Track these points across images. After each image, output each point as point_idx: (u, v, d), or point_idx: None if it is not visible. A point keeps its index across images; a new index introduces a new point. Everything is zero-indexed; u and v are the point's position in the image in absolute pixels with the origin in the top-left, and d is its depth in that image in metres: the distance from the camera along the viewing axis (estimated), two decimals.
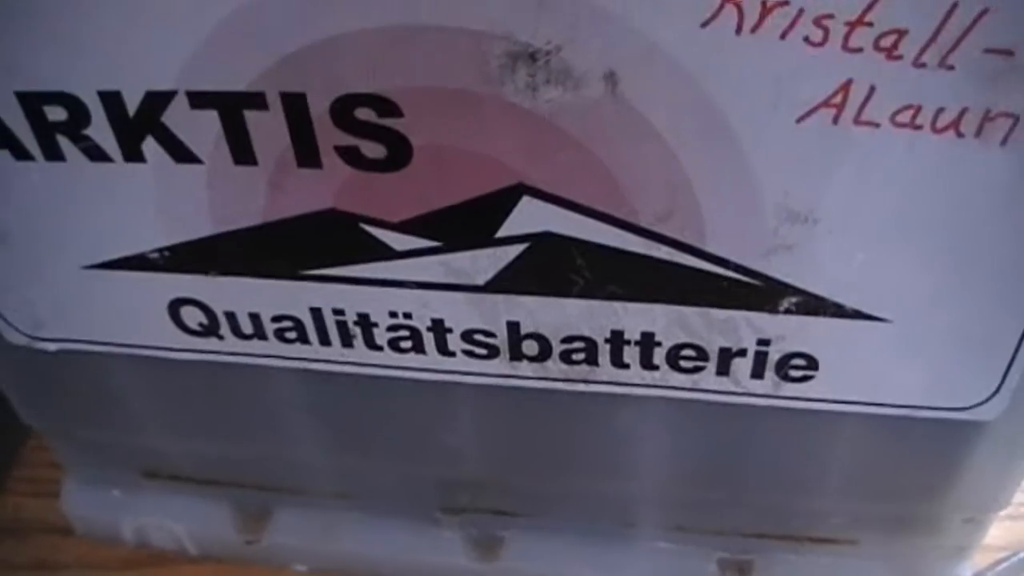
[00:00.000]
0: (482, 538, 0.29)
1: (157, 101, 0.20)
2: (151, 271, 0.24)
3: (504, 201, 0.20)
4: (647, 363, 0.23)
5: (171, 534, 0.31)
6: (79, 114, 0.21)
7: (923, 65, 0.17)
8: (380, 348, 0.24)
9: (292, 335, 0.24)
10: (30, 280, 0.25)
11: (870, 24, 0.17)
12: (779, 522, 0.27)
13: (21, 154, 0.22)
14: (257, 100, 0.20)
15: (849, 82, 0.18)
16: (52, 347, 0.26)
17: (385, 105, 0.19)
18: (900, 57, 0.17)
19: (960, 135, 0.18)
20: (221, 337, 0.25)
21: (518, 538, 0.29)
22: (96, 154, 0.21)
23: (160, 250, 0.23)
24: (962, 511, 0.26)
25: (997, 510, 0.27)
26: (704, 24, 0.17)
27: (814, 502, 0.26)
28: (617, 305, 0.22)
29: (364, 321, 0.23)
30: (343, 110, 0.19)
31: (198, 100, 0.20)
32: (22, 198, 0.23)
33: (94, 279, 0.24)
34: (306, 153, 0.20)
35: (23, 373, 0.28)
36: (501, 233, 0.21)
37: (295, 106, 0.20)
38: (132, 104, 0.20)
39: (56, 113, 0.21)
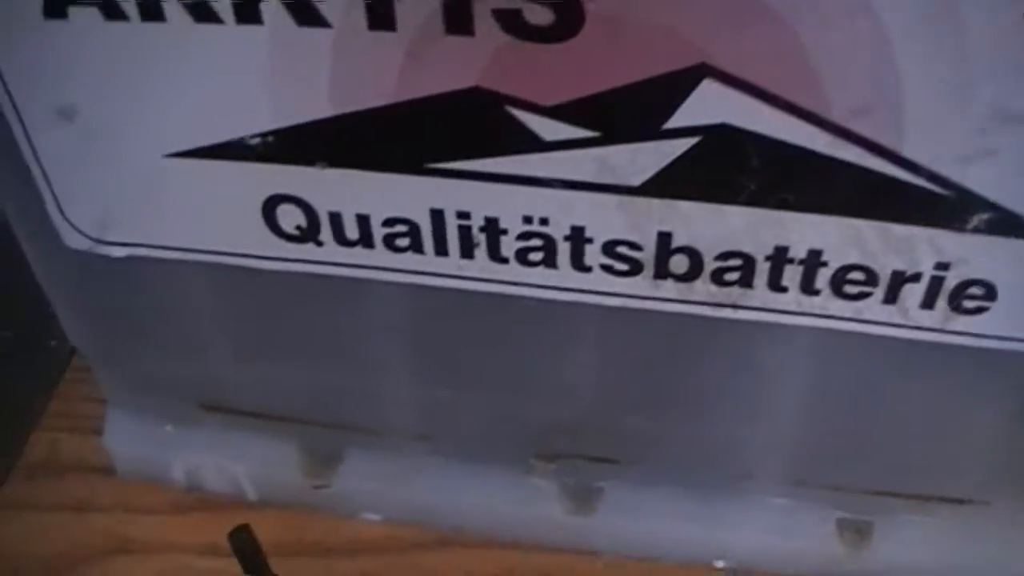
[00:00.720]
0: (579, 488, 0.27)
1: None
2: (249, 161, 0.21)
3: (681, 84, 0.18)
4: (808, 287, 0.21)
5: (229, 476, 0.28)
6: None
7: None
8: (505, 260, 0.21)
9: (404, 242, 0.22)
10: (101, 169, 0.22)
11: None
12: (908, 478, 0.25)
13: (113, 13, 0.19)
14: None
15: None
16: (120, 252, 0.23)
17: None
18: None
19: None
20: (320, 243, 0.22)
21: (618, 489, 0.27)
22: (203, 13, 0.19)
23: (264, 135, 0.20)
24: None
25: None
26: None
27: (955, 456, 0.24)
28: (787, 216, 0.19)
29: (492, 227, 0.21)
30: None
31: None
32: (102, 67, 0.20)
33: (178, 170, 0.21)
34: (458, 16, 0.18)
35: (79, 285, 0.25)
36: (671, 124, 0.18)
37: None
38: None
39: None
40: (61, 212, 0.23)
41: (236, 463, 0.28)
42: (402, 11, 0.18)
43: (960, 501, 0.26)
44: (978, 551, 0.26)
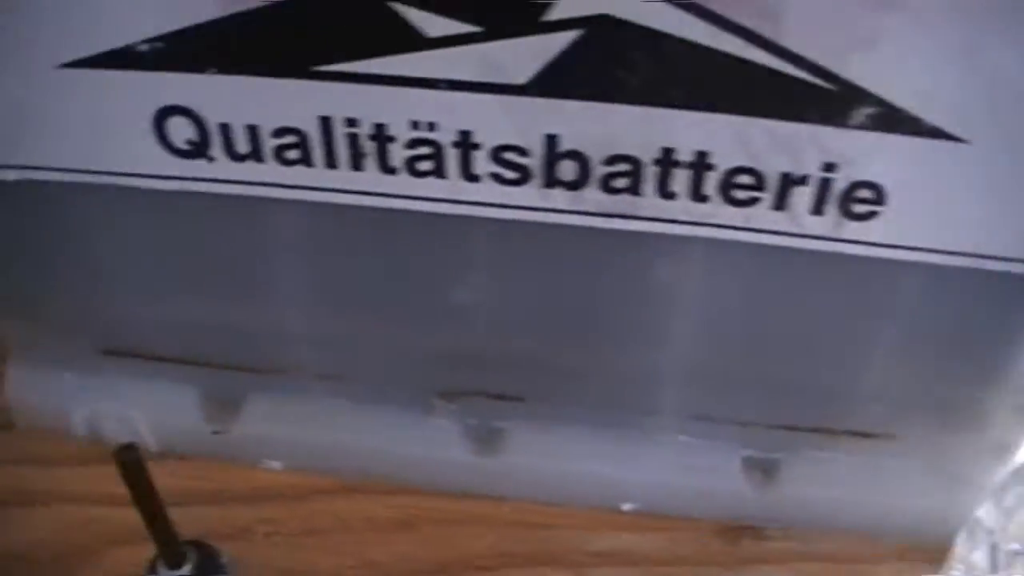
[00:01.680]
0: (481, 429, 0.26)
1: None
2: (138, 69, 0.21)
3: None
4: (697, 193, 0.21)
5: (128, 425, 0.27)
6: None
7: None
8: (394, 171, 0.21)
9: (294, 154, 0.21)
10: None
11: None
12: (810, 410, 0.25)
13: None
14: None
15: None
16: (11, 175, 0.23)
17: None
18: None
19: None
20: (212, 159, 0.22)
21: (521, 429, 0.26)
22: None
23: (152, 40, 0.20)
24: (1015, 394, 0.24)
25: None
26: None
27: (854, 380, 0.24)
28: (672, 113, 0.20)
29: (380, 134, 0.21)
30: None
31: None
32: None
33: (68, 82, 0.21)
34: None
35: None
36: (552, 16, 0.19)
37: None
38: None
39: None
40: None
41: (135, 410, 0.27)
42: None
43: (865, 435, 0.26)
44: (885, 486, 0.26)
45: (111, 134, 0.22)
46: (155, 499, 0.23)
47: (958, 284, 0.22)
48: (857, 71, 0.19)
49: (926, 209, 0.21)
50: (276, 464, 0.28)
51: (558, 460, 0.26)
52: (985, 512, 0.23)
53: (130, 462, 0.21)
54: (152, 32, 0.20)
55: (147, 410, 0.27)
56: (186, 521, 0.25)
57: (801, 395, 0.25)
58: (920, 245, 0.21)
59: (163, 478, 0.25)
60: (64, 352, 0.27)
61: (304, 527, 0.27)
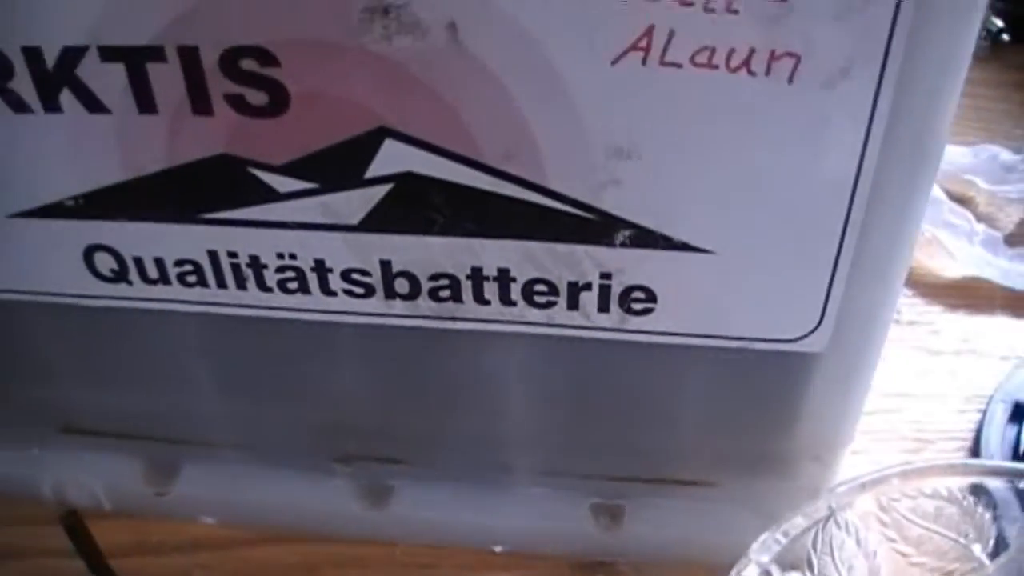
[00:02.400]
0: (373, 487, 0.31)
1: (72, 55, 0.23)
2: (68, 219, 0.26)
3: (370, 143, 0.23)
4: (506, 299, 0.26)
5: (88, 490, 0.32)
6: (4, 68, 0.24)
7: (712, 10, 0.21)
8: (270, 289, 0.27)
9: (192, 279, 0.27)
10: None
11: None
12: (645, 465, 0.30)
13: None
14: (157, 53, 0.23)
15: (652, 27, 0.21)
16: None
17: (265, 56, 0.22)
18: (692, 4, 0.21)
19: (752, 73, 0.21)
20: (130, 283, 0.27)
21: (406, 486, 0.31)
22: (19, 106, 0.24)
23: (75, 197, 0.26)
24: (808, 448, 0.29)
25: (841, 447, 0.29)
26: None
27: (671, 440, 0.29)
28: (474, 242, 0.25)
29: (255, 263, 0.26)
30: (230, 61, 0.23)
31: (107, 54, 0.23)
32: None
33: (14, 228, 0.27)
34: (200, 101, 0.23)
35: None
36: (369, 174, 0.24)
37: (189, 58, 0.23)
38: (51, 58, 0.23)
39: None
40: None
41: (91, 478, 0.33)
42: (160, 99, 0.24)
43: (692, 483, 0.30)
44: (712, 526, 0.30)
45: (50, 264, 0.28)
46: (97, 552, 0.28)
47: (735, 359, 0.27)
48: (610, 204, 0.24)
49: (690, 304, 0.26)
50: (209, 519, 0.33)
51: (438, 510, 0.31)
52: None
53: (71, 525, 0.27)
54: (76, 191, 0.26)
55: (101, 477, 0.33)
56: (135, 568, 0.31)
57: (632, 453, 0.30)
58: (692, 332, 0.26)
59: (115, 533, 0.31)
60: (30, 432, 0.33)
61: (232, 571, 0.32)
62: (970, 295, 0.41)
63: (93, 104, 0.24)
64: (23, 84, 0.24)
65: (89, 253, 0.27)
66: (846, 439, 0.29)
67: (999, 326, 0.40)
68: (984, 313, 0.40)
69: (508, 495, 0.31)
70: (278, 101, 0.23)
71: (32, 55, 0.24)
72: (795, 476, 0.30)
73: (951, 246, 0.42)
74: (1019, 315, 0.40)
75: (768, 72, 0.21)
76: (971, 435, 0.36)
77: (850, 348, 0.27)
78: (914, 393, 0.37)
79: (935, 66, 0.22)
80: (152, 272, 0.27)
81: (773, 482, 0.30)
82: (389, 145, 0.24)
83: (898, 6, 0.20)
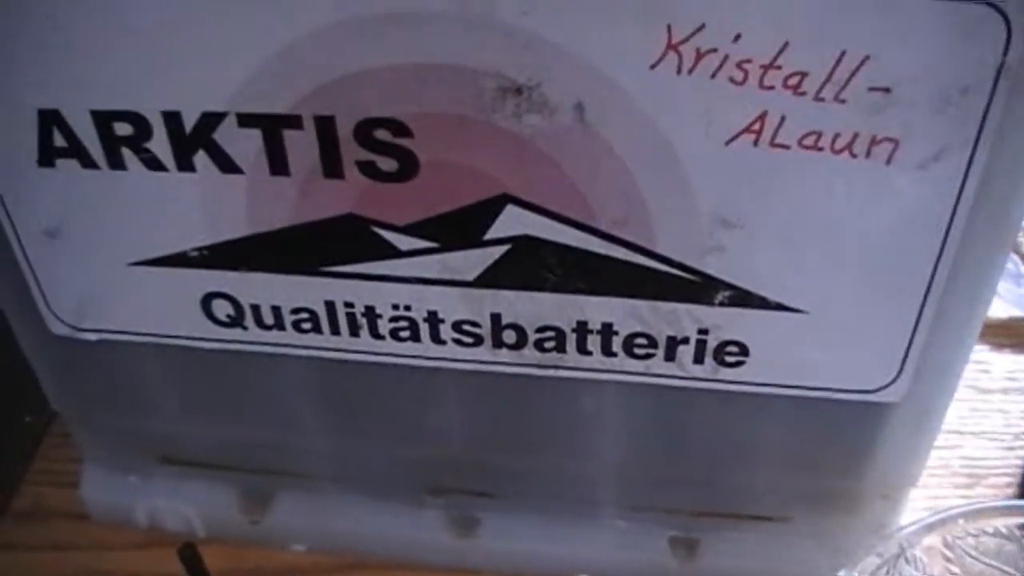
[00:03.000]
0: (462, 518, 0.33)
1: (211, 120, 0.25)
2: (190, 268, 0.28)
3: (492, 208, 0.25)
4: (607, 350, 0.27)
5: (182, 517, 0.34)
6: (143, 130, 0.25)
7: (822, 99, 0.22)
8: (382, 337, 0.28)
9: (307, 325, 0.28)
10: (79, 275, 0.29)
11: (779, 67, 0.22)
12: (721, 501, 0.32)
13: (88, 163, 0.26)
14: (294, 121, 0.24)
15: (764, 113, 0.23)
16: (93, 337, 0.30)
17: (399, 127, 0.24)
18: (804, 93, 0.22)
19: (853, 155, 0.23)
20: (246, 328, 0.29)
21: (493, 518, 0.33)
22: (154, 164, 0.26)
23: (200, 249, 0.27)
24: (878, 488, 0.30)
25: (909, 487, 0.31)
26: (652, 66, 0.22)
27: (750, 479, 0.31)
28: (582, 298, 0.26)
29: (370, 313, 0.28)
30: (364, 131, 0.24)
31: (245, 120, 0.25)
32: (79, 201, 0.27)
33: (138, 275, 0.28)
34: (332, 166, 0.25)
35: (59, 361, 0.32)
36: (489, 236, 0.26)
37: (325, 127, 0.24)
38: (189, 122, 0.25)
39: (123, 128, 0.25)
40: (47, 305, 0.30)
41: (187, 506, 0.34)
42: (293, 162, 0.25)
43: (766, 518, 0.32)
44: (783, 559, 0.32)
45: (169, 310, 0.29)
46: None
47: (818, 406, 0.28)
48: (714, 268, 0.26)
49: (779, 357, 0.27)
50: (300, 547, 0.34)
51: (523, 541, 0.33)
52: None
53: (188, 558, 0.28)
54: (200, 243, 0.27)
55: (197, 505, 0.34)
56: None
57: (711, 489, 0.31)
58: (778, 382, 0.28)
59: (210, 559, 0.32)
60: (129, 460, 0.34)
61: None
62: (1017, 334, 0.42)
63: (226, 165, 0.26)
64: (159, 145, 0.26)
65: (207, 299, 0.29)
66: (914, 479, 0.31)
67: None
68: None
69: (591, 527, 0.32)
70: (407, 168, 0.25)
71: (171, 119, 0.25)
72: (863, 513, 0.32)
73: (999, 287, 0.43)
74: None
75: (868, 155, 0.23)
76: (1020, 471, 0.37)
77: (925, 397, 0.28)
78: (965, 430, 0.39)
79: (1021, 148, 0.23)
80: (268, 319, 0.28)
81: (842, 518, 0.32)
82: (510, 210, 0.25)
83: (991, 99, 0.22)
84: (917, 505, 0.33)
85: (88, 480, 0.35)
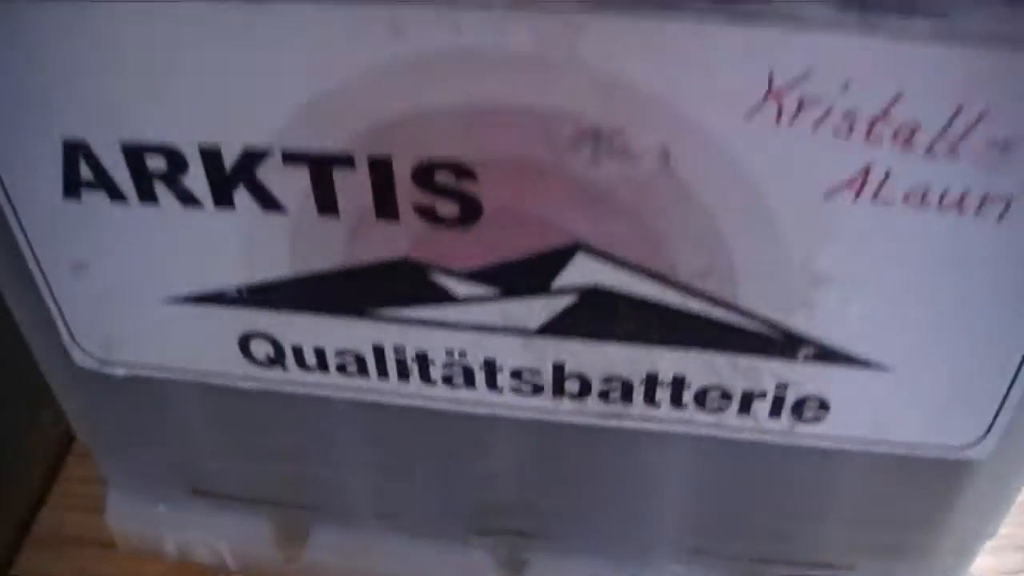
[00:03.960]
0: (509, 559, 0.31)
1: (253, 157, 0.23)
2: (227, 306, 0.26)
3: (560, 257, 0.23)
4: (676, 402, 0.26)
5: (213, 550, 0.32)
6: (178, 164, 0.23)
7: (933, 154, 0.20)
8: (433, 383, 0.26)
9: (352, 369, 0.26)
10: (108, 310, 0.27)
11: (889, 119, 0.20)
12: (787, 549, 0.30)
13: (116, 196, 0.24)
14: (346, 160, 0.22)
15: (869, 167, 0.20)
16: (121, 372, 0.28)
17: (462, 171, 0.22)
18: (913, 148, 0.20)
19: (962, 213, 0.21)
20: (286, 369, 0.27)
21: (541, 560, 0.31)
22: (188, 199, 0.24)
23: (239, 288, 0.25)
24: (952, 540, 0.29)
25: (984, 540, 0.29)
26: (749, 115, 0.20)
27: (819, 531, 0.29)
28: (654, 351, 0.24)
29: (421, 359, 0.26)
30: (424, 173, 0.22)
31: (291, 158, 0.22)
32: (108, 234, 0.25)
33: (172, 312, 0.26)
34: (386, 208, 0.23)
35: (86, 394, 0.30)
36: (555, 285, 0.24)
37: (380, 167, 0.22)
38: (229, 159, 0.23)
39: (156, 162, 0.23)
40: (73, 339, 0.28)
41: (219, 539, 0.33)
42: (343, 202, 0.23)
43: (829, 565, 0.30)
44: None
45: (204, 348, 0.27)
46: None
47: (897, 461, 0.26)
48: (799, 324, 0.24)
49: (861, 414, 0.25)
50: None
51: None
52: None
53: None
54: (240, 283, 0.25)
55: (229, 538, 0.33)
56: None
57: (774, 538, 0.30)
58: (858, 438, 0.26)
59: None
60: (158, 490, 0.33)
61: None
62: None
63: (269, 203, 0.23)
64: (195, 180, 0.23)
65: (245, 339, 0.27)
66: (990, 535, 0.29)
67: None
68: None
69: (643, 570, 0.31)
70: (470, 213, 0.23)
71: (210, 155, 0.23)
72: (932, 565, 0.30)
73: None
74: None
75: (978, 212, 0.21)
76: None
77: (1010, 455, 0.26)
78: None
79: None
80: (310, 361, 0.27)
81: (910, 566, 0.30)
82: (580, 259, 0.23)
83: None
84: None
85: (114, 507, 0.33)
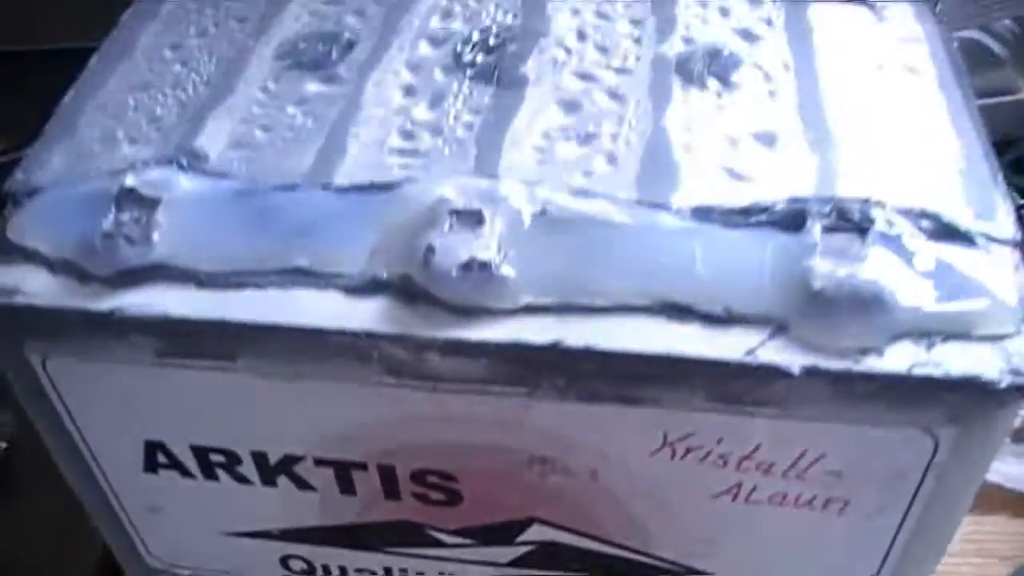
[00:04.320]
0: None
1: (291, 460, 0.30)
2: (271, 540, 0.34)
3: (521, 525, 0.31)
4: None
5: None
6: (234, 460, 0.31)
7: (787, 477, 0.28)
8: None
9: None
10: (175, 537, 0.35)
11: (752, 459, 0.27)
12: None
13: (186, 474, 0.32)
14: (361, 466, 0.30)
15: (740, 483, 0.28)
16: (186, 574, 0.36)
17: (448, 475, 0.30)
18: (772, 474, 0.28)
19: (812, 509, 0.29)
20: None
21: None
22: (242, 480, 0.31)
23: (281, 530, 0.33)
24: None
25: None
26: (651, 454, 0.28)
27: None
28: None
29: None
30: (419, 476, 0.30)
31: (321, 462, 0.30)
32: (178, 494, 0.33)
33: (228, 540, 0.34)
34: (391, 494, 0.31)
35: None
36: (519, 539, 0.31)
37: (387, 471, 0.30)
38: (274, 458, 0.30)
39: (217, 457, 0.31)
40: (147, 552, 0.36)
41: None
42: (359, 488, 0.31)
43: None
44: None
45: (253, 564, 0.35)
46: None
47: None
48: (697, 564, 0.31)
49: None
50: None
51: None
52: None
53: None
54: (279, 527, 0.33)
55: None
56: None
57: None
58: None
59: None
60: None
61: None
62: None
63: (303, 485, 0.31)
64: (247, 469, 0.31)
65: (285, 559, 0.35)
66: None
67: (1002, 526, 0.45)
68: (988, 514, 0.45)
69: None
70: (454, 499, 0.30)
71: (259, 456, 0.31)
72: None
73: None
74: (1020, 515, 0.46)
75: (825, 508, 0.29)
76: None
77: None
78: None
79: (945, 510, 0.29)
80: (336, 574, 0.35)
81: None
82: (536, 526, 0.31)
83: (922, 479, 0.28)
84: None
85: None
